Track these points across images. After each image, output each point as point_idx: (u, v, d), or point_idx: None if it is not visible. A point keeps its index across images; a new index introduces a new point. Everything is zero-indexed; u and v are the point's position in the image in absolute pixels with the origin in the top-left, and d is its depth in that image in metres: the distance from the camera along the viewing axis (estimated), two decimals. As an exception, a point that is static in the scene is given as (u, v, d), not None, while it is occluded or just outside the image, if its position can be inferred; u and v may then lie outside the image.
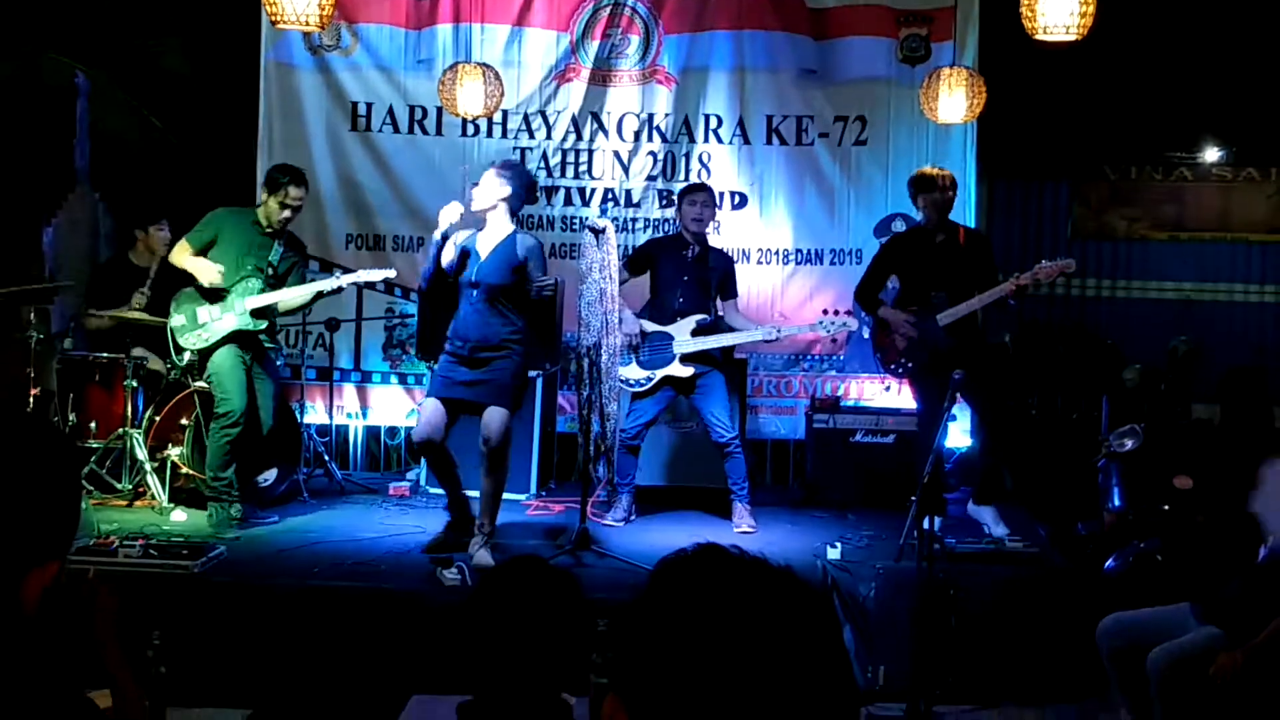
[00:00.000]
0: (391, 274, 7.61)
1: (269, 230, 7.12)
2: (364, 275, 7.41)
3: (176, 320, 7.16)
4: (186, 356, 7.23)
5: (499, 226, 6.43)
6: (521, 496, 7.99)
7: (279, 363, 7.79)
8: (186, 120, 9.45)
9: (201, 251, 7.07)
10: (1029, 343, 9.99)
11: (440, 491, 7.90)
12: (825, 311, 8.42)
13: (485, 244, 6.42)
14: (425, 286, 6.61)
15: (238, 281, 7.06)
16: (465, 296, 6.41)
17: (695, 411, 7.52)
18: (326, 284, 7.29)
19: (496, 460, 6.37)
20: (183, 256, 7.09)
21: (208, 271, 7.00)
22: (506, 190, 6.39)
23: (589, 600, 2.81)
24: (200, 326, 7.10)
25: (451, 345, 6.43)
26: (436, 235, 6.41)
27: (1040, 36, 6.10)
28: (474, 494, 6.57)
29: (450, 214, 6.35)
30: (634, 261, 7.52)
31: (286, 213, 7.08)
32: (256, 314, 7.08)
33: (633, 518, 7.52)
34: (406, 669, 5.51)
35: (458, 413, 6.52)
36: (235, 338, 7.10)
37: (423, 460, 8.20)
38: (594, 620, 2.83)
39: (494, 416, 6.33)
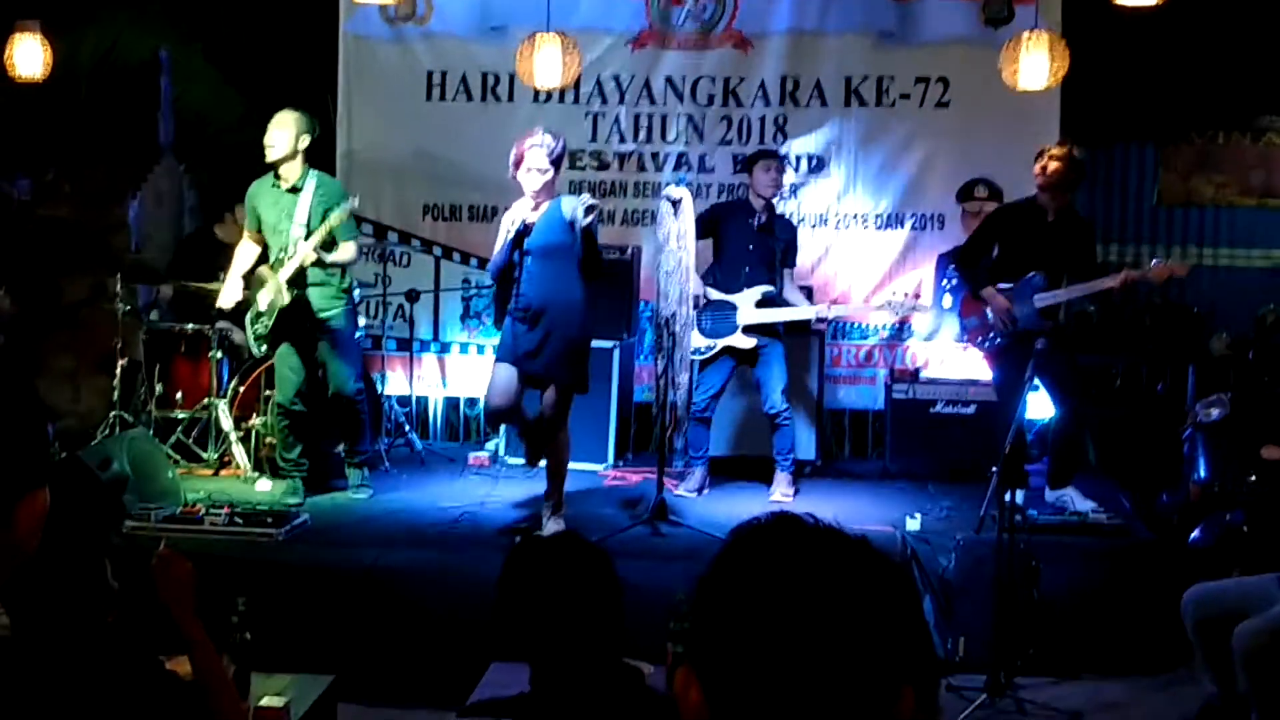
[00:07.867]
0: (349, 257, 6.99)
1: (290, 186, 6.86)
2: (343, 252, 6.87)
3: (251, 312, 7.01)
4: (262, 347, 7.08)
5: (545, 197, 6.26)
6: (599, 466, 8.01)
7: (359, 334, 7.57)
8: (266, 93, 9.52)
9: (257, 229, 6.99)
10: (1113, 312, 9.83)
11: (519, 461, 7.95)
12: (895, 293, 8.10)
13: (535, 216, 6.26)
14: (497, 276, 6.42)
15: (279, 252, 6.87)
16: (521, 265, 6.27)
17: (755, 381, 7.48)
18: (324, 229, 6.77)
19: (549, 432, 6.40)
20: (240, 247, 7.13)
21: (229, 288, 7.07)
22: (551, 173, 6.24)
23: (667, 569, 2.84)
24: (260, 314, 6.94)
25: (513, 313, 6.32)
26: (511, 229, 6.21)
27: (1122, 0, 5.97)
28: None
29: (525, 210, 6.24)
30: (702, 226, 7.47)
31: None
32: (291, 283, 6.79)
33: (706, 489, 7.50)
34: (486, 636, 5.54)
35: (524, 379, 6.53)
36: (289, 318, 6.87)
37: (501, 429, 8.21)
38: (672, 592, 2.85)
39: (549, 391, 6.35)
